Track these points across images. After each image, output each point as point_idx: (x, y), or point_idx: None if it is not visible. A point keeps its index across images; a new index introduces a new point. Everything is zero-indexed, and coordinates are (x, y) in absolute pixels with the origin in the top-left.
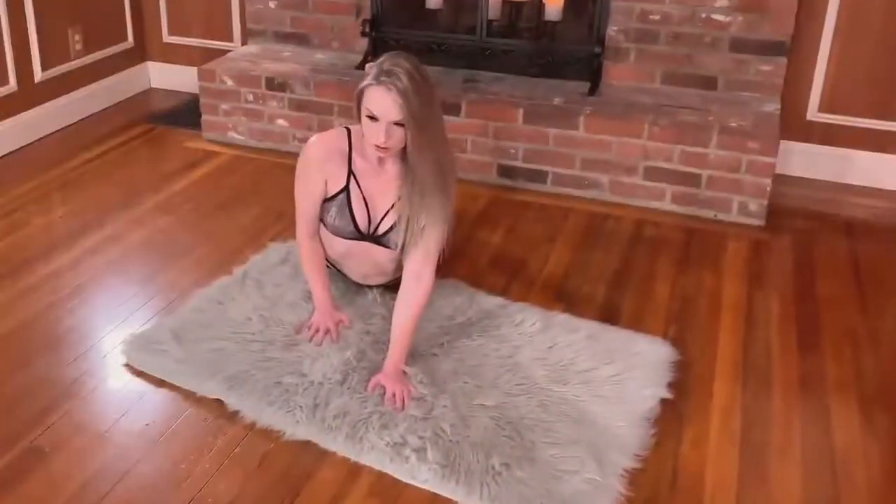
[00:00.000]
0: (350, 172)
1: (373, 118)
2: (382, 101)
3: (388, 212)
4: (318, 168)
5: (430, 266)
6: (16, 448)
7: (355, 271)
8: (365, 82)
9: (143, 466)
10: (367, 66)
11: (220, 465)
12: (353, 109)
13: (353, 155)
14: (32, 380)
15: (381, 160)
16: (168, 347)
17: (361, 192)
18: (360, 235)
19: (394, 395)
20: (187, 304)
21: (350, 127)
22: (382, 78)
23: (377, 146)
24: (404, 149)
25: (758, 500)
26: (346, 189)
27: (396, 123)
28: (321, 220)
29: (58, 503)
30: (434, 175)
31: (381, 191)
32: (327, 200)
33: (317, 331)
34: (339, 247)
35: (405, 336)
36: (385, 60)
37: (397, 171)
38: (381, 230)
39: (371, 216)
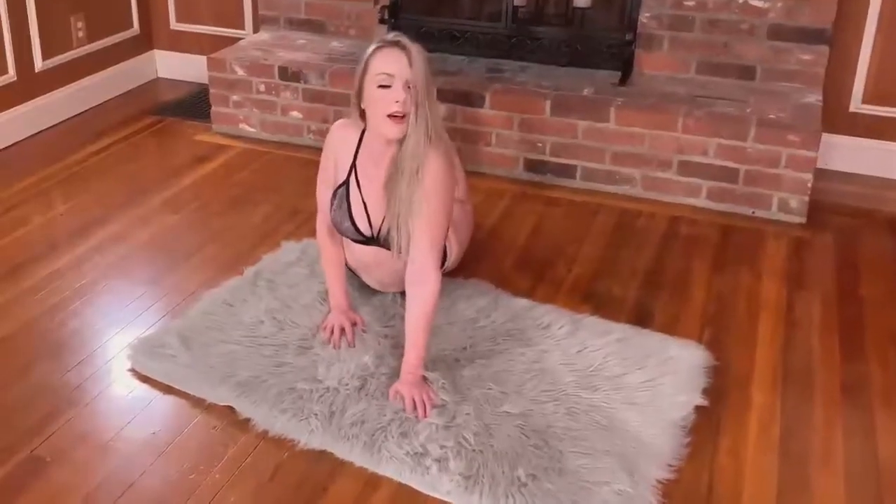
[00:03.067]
0: (353, 166)
1: (384, 86)
2: (396, 58)
3: (385, 215)
4: (332, 151)
5: (431, 263)
6: (15, 458)
7: (374, 279)
8: (371, 49)
9: (149, 478)
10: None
11: (231, 477)
12: (352, 97)
13: (361, 149)
14: (32, 386)
15: (388, 143)
16: (175, 352)
17: (360, 191)
18: (364, 238)
19: (414, 403)
20: (196, 307)
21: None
22: (395, 39)
23: (393, 115)
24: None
25: None
26: (347, 183)
27: (410, 81)
28: (331, 219)
29: None
30: (428, 144)
31: (378, 195)
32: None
33: (331, 332)
34: (356, 252)
35: (419, 337)
36: (398, 33)
37: (390, 168)
38: (383, 231)
39: (371, 219)
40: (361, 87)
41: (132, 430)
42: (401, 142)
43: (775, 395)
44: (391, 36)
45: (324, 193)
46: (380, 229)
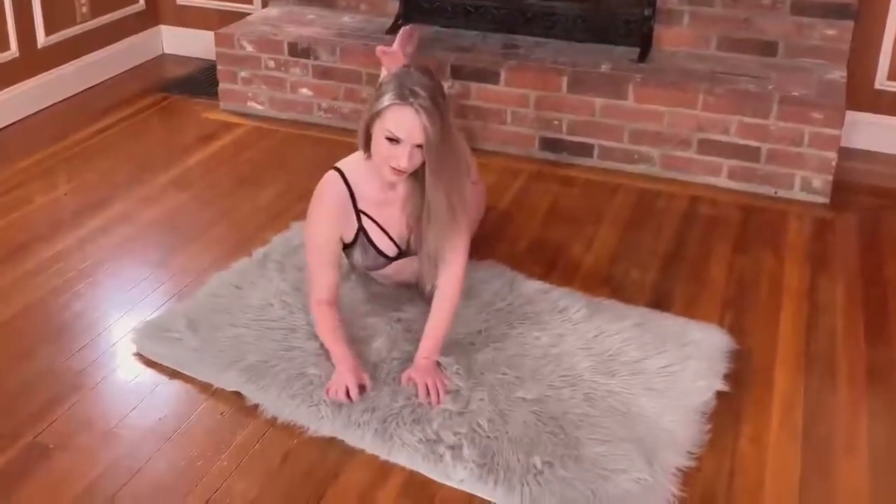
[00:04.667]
0: (359, 213)
1: (394, 140)
2: (409, 123)
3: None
4: (337, 229)
5: (464, 262)
6: (17, 444)
7: (388, 281)
8: (385, 101)
9: (155, 464)
10: (381, 82)
11: (239, 464)
12: (359, 133)
13: (355, 194)
14: (35, 371)
15: (392, 184)
16: (182, 335)
17: (377, 224)
18: (395, 257)
19: (427, 389)
20: (203, 289)
21: (339, 167)
22: (411, 99)
23: (396, 170)
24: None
25: (822, 502)
26: (361, 229)
27: (418, 146)
28: (350, 263)
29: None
30: (446, 207)
31: (396, 217)
32: (346, 247)
33: (336, 393)
34: (379, 272)
35: (441, 325)
36: (405, 77)
37: (406, 190)
38: (412, 245)
39: (397, 241)
40: (370, 127)
41: (137, 415)
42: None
43: (798, 379)
44: (411, 82)
45: (326, 272)
46: (407, 243)
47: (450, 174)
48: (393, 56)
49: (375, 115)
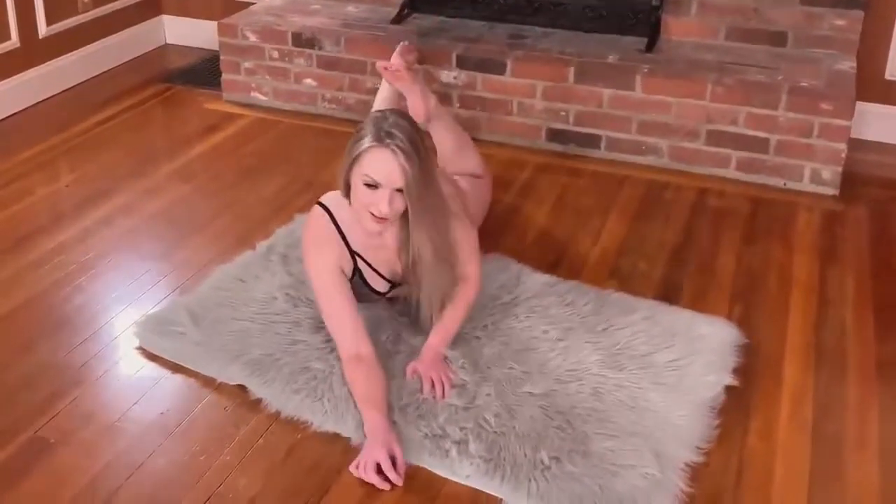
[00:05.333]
0: (353, 254)
1: (372, 185)
2: (387, 165)
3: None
4: (336, 262)
5: (478, 271)
6: (18, 439)
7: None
8: (363, 145)
9: (157, 459)
10: (357, 128)
11: (242, 459)
12: (339, 179)
13: (346, 235)
14: (36, 364)
15: (378, 233)
16: (185, 329)
17: (372, 268)
18: (387, 292)
19: (433, 383)
20: (206, 282)
21: (323, 203)
22: (387, 140)
23: (376, 216)
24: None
25: (832, 498)
26: (357, 270)
27: (398, 190)
28: None
29: (64, 499)
30: (432, 252)
31: (391, 260)
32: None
33: (365, 470)
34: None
35: (452, 324)
36: (381, 120)
37: (399, 240)
38: (405, 278)
39: (389, 278)
40: (349, 174)
41: (140, 410)
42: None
43: (808, 374)
44: (388, 125)
45: (343, 314)
46: (399, 277)
47: (433, 219)
48: (395, 74)
49: (353, 162)
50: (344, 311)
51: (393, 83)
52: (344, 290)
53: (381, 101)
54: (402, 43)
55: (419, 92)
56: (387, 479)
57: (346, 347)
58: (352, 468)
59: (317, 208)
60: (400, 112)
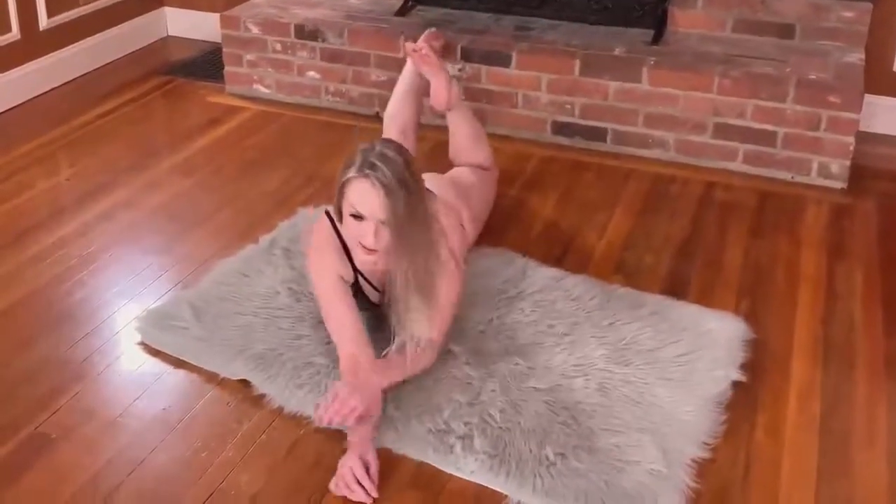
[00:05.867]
0: (355, 270)
1: (357, 217)
2: (368, 197)
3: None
4: (333, 264)
5: (437, 346)
6: (19, 435)
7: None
8: (347, 175)
9: (159, 455)
10: (347, 157)
11: (245, 454)
12: (334, 205)
13: (349, 246)
14: (37, 359)
15: (373, 263)
16: (187, 324)
17: (373, 285)
18: (379, 303)
19: (333, 403)
20: (208, 276)
21: (330, 213)
22: (367, 170)
23: (366, 248)
24: None
25: (839, 495)
26: (357, 285)
27: (384, 222)
28: None
29: (65, 495)
30: (404, 286)
31: (384, 274)
32: None
33: (345, 486)
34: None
35: (395, 372)
36: (368, 150)
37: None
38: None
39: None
40: (340, 205)
41: (142, 405)
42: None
43: (816, 369)
44: (374, 155)
45: (346, 320)
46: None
47: (412, 257)
48: (424, 58)
49: (341, 191)
50: (345, 315)
51: (420, 66)
52: (345, 295)
53: (400, 89)
54: (429, 30)
55: (444, 79)
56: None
57: (343, 351)
58: (331, 486)
59: (324, 218)
60: (389, 143)
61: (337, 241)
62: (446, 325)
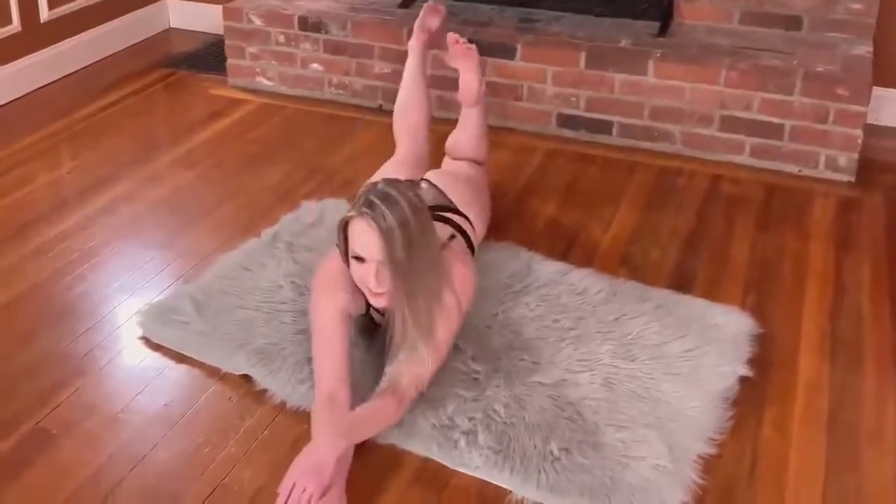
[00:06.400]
0: (368, 305)
1: (359, 258)
2: (366, 238)
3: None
4: (333, 299)
5: (411, 395)
6: (19, 430)
7: None
8: (348, 214)
9: (160, 451)
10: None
11: (247, 450)
12: (339, 245)
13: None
14: (38, 354)
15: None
16: (189, 318)
17: (381, 314)
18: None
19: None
20: (210, 270)
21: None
22: (364, 210)
23: (370, 290)
24: None
25: (847, 491)
26: (369, 315)
27: (383, 264)
28: None
29: (66, 491)
30: (409, 329)
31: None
32: None
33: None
34: None
35: (371, 410)
36: (370, 189)
37: None
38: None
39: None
40: (346, 245)
41: (143, 401)
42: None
43: (823, 364)
44: (375, 194)
45: (333, 355)
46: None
47: (412, 298)
48: (467, 52)
49: (343, 231)
50: (332, 350)
51: (457, 59)
52: (341, 332)
53: (407, 77)
54: (428, 2)
55: (478, 75)
56: None
57: (322, 385)
58: (279, 489)
59: (334, 252)
60: (393, 182)
61: (348, 275)
62: (438, 364)
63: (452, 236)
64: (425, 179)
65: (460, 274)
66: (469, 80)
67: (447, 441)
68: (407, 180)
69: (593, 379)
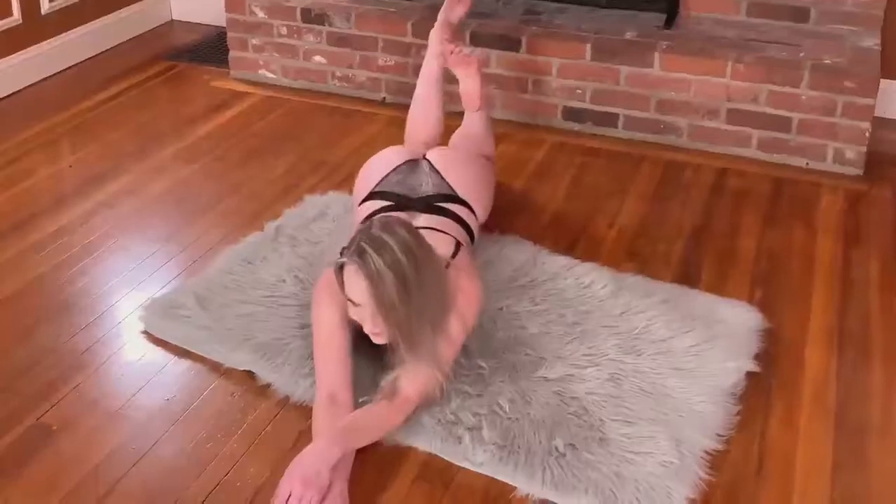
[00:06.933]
0: None
1: (353, 302)
2: (356, 285)
3: None
4: (334, 308)
5: (414, 403)
6: (19, 426)
7: None
8: (343, 257)
9: (162, 447)
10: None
11: (250, 446)
12: (338, 283)
13: None
14: (38, 349)
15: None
16: (191, 313)
17: None
18: None
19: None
20: (213, 264)
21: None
22: (355, 257)
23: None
24: None
25: (855, 488)
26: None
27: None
28: None
29: (66, 487)
30: (411, 354)
31: None
32: None
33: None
34: None
35: (364, 417)
36: (363, 232)
37: None
38: None
39: None
40: (341, 282)
41: (145, 396)
42: None
43: (831, 360)
44: (366, 239)
45: (329, 364)
46: None
47: (413, 335)
48: (464, 60)
49: (340, 271)
50: (333, 354)
51: (456, 67)
52: (342, 337)
53: (422, 81)
54: None
55: (479, 81)
56: None
57: (324, 384)
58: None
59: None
60: (385, 224)
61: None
62: (443, 378)
63: (456, 249)
64: (426, 160)
65: (466, 291)
66: (470, 86)
67: (451, 437)
68: (399, 219)
69: (599, 374)
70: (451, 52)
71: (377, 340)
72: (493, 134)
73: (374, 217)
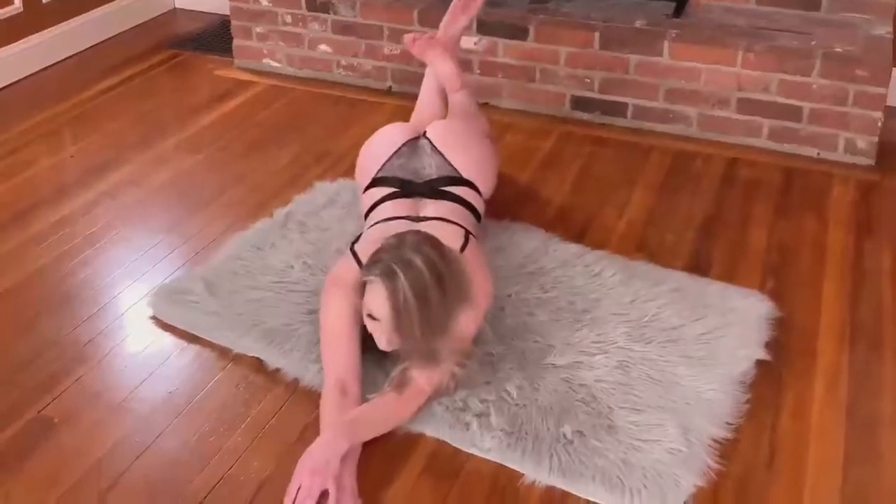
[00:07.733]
0: None
1: (372, 317)
2: (378, 302)
3: None
4: (343, 303)
5: (429, 390)
6: (21, 419)
7: None
8: (369, 275)
9: (165, 440)
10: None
11: (254, 440)
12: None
13: None
14: (39, 341)
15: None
16: (200, 298)
17: None
18: None
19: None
20: (221, 251)
21: (356, 253)
22: (385, 280)
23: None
24: None
25: (868, 481)
26: None
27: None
28: None
29: (68, 482)
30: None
31: None
32: None
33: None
34: None
35: (375, 410)
36: (387, 249)
37: None
38: None
39: None
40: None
41: (147, 389)
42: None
43: (843, 350)
44: (393, 257)
45: (338, 352)
46: None
47: (422, 359)
48: (423, 45)
49: (362, 288)
50: (342, 345)
51: (422, 55)
52: (351, 329)
53: (424, 89)
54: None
55: (451, 64)
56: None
57: (332, 374)
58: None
59: (349, 255)
60: (419, 243)
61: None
62: (457, 368)
63: (465, 241)
64: (426, 138)
65: (476, 286)
66: (444, 68)
67: (459, 423)
68: (430, 238)
69: (608, 361)
70: (414, 42)
71: (386, 349)
72: (487, 115)
73: (406, 233)
